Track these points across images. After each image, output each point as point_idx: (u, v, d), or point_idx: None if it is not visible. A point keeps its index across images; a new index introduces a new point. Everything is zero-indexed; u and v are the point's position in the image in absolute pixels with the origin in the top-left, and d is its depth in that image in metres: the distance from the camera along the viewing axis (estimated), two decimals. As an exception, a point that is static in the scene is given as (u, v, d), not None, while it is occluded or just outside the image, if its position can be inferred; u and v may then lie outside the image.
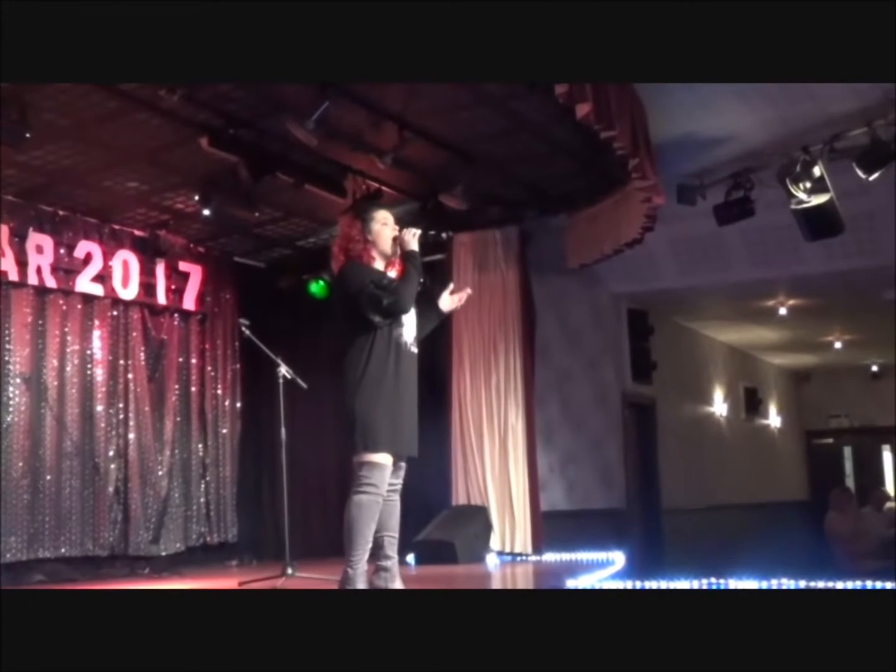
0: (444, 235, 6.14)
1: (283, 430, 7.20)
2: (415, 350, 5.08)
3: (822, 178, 7.39)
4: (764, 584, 5.62)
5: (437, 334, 8.71)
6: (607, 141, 6.55)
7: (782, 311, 11.97)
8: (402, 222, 5.26)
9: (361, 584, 4.82)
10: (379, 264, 5.08)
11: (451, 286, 5.46)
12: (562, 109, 6.53)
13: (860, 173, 7.19)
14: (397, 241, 5.08)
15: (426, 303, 5.25)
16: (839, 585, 5.56)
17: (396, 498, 5.03)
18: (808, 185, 7.41)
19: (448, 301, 5.35)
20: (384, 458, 4.83)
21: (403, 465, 5.05)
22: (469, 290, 5.49)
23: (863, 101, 6.80)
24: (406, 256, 5.04)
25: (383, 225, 5.09)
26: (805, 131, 7.41)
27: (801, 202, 7.53)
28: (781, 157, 7.57)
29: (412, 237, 5.07)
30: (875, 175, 7.19)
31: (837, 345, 14.60)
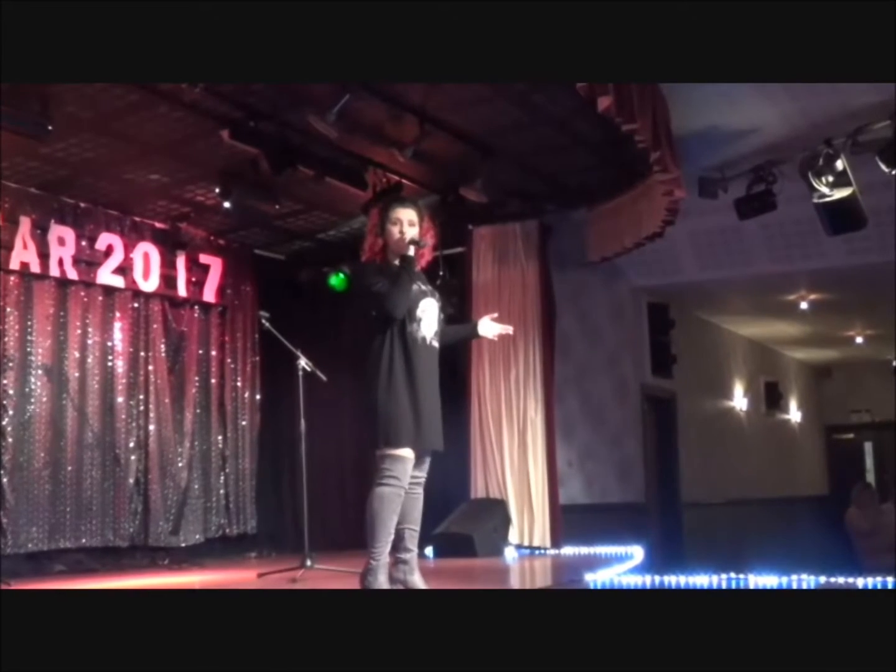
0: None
1: (302, 423, 7.21)
2: (435, 345, 5.06)
3: (844, 171, 7.34)
4: (784, 580, 5.60)
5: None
6: (629, 134, 6.53)
7: (803, 305, 11.91)
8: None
9: (383, 576, 4.82)
10: (394, 258, 5.05)
11: (496, 314, 5.44)
12: (582, 103, 6.52)
13: (883, 167, 7.14)
14: (402, 242, 5.02)
15: (461, 322, 5.22)
16: (859, 582, 5.54)
17: (420, 491, 5.02)
18: (831, 178, 7.36)
19: (488, 326, 5.34)
20: (406, 452, 4.84)
21: (428, 458, 5.05)
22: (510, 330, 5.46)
23: (885, 95, 6.74)
24: (401, 260, 5.02)
25: (392, 225, 5.04)
26: (828, 124, 7.36)
27: (824, 196, 7.47)
28: (804, 150, 7.53)
29: (409, 246, 5.00)
30: (898, 169, 7.14)
31: (859, 339, 14.52)
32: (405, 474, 4.84)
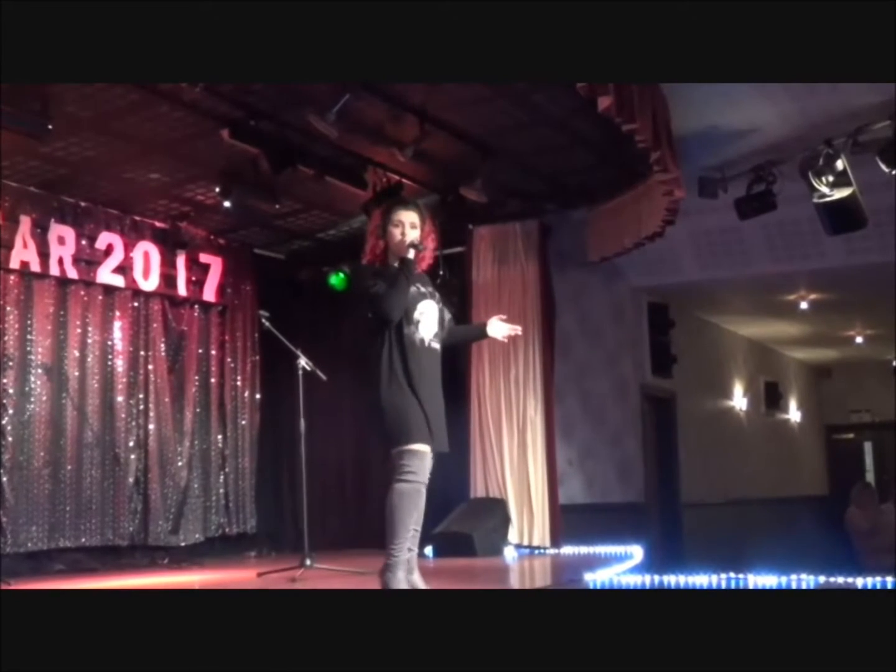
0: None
1: (301, 422, 7.21)
2: (436, 347, 5.04)
3: (844, 171, 7.34)
4: (784, 580, 5.60)
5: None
6: (629, 134, 6.53)
7: (803, 305, 11.91)
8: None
9: (402, 573, 4.81)
10: (394, 260, 5.05)
11: (505, 316, 5.43)
12: (582, 103, 6.52)
13: (883, 167, 7.13)
14: (403, 244, 5.01)
15: (467, 323, 5.15)
16: (859, 582, 5.55)
17: (423, 491, 5.02)
18: (831, 178, 7.35)
19: (497, 327, 5.33)
20: (422, 447, 4.83)
21: (433, 459, 5.05)
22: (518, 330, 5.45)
23: (885, 95, 6.75)
24: (400, 262, 5.01)
25: (394, 227, 5.03)
26: (827, 124, 7.35)
27: (824, 196, 7.47)
28: (804, 150, 7.53)
29: (409, 249, 4.99)
30: (898, 169, 7.14)
31: (859, 339, 14.52)
32: (423, 470, 4.83)
